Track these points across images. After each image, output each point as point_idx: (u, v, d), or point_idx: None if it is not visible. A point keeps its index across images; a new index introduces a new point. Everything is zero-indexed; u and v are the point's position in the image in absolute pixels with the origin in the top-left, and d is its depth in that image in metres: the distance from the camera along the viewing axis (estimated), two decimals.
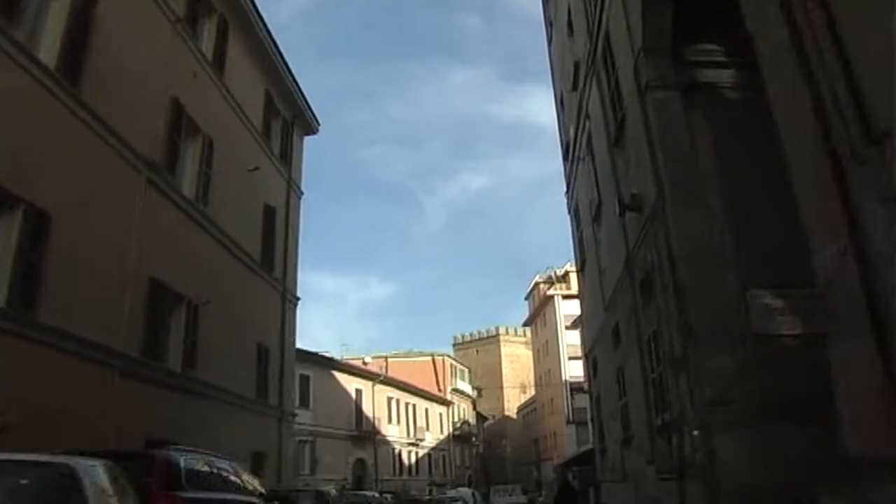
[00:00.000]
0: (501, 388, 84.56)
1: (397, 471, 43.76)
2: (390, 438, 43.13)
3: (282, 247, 19.46)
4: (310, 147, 23.08)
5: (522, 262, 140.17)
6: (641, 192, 9.78)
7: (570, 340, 57.52)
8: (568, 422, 55.79)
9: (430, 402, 52.05)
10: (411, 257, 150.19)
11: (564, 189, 19.61)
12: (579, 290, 20.22)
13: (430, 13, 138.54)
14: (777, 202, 6.21)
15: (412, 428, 46.96)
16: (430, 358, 57.42)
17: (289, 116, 21.20)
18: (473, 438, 63.27)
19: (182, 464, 6.96)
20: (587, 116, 14.36)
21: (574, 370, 56.72)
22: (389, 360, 54.32)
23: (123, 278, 11.30)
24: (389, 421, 43.52)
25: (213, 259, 15.15)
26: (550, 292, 60.53)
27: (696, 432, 7.81)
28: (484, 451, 71.58)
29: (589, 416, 18.89)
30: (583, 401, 56.09)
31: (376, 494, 24.48)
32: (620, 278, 11.78)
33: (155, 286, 12.38)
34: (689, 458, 8.07)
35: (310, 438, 33.54)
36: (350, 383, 38.90)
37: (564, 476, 25.34)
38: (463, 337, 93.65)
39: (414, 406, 48.13)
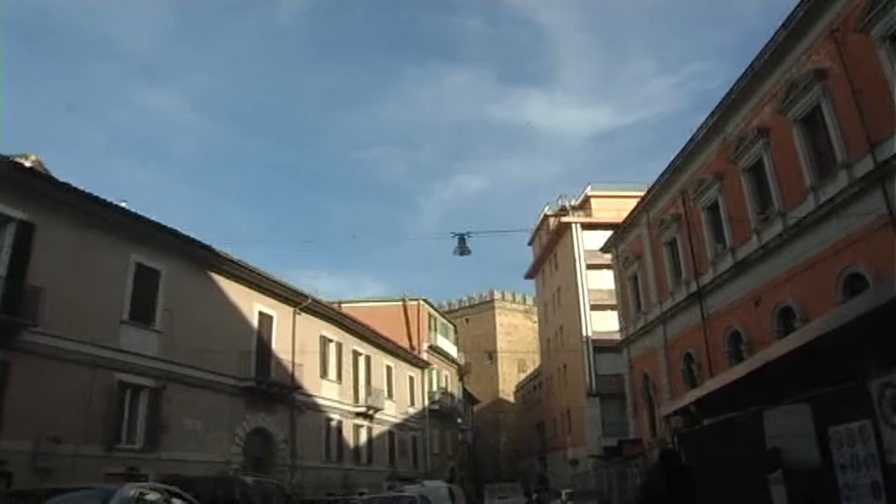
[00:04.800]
0: (495, 361, 68.56)
1: (334, 454, 27.48)
2: (322, 401, 26.91)
3: None
4: None
5: (522, 262, 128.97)
6: None
7: (593, 284, 42.06)
8: (590, 394, 40.42)
9: (395, 358, 35.93)
10: (406, 258, 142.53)
11: None
12: None
13: (427, 15, 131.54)
14: None
15: (362, 390, 30.67)
16: (400, 303, 41.46)
17: None
18: (459, 420, 47.20)
19: None
20: None
21: (599, 323, 41.17)
22: (344, 305, 38.23)
23: None
24: (323, 374, 27.37)
25: None
26: (566, 219, 44.62)
27: None
28: (473, 442, 55.83)
29: None
30: (611, 364, 40.34)
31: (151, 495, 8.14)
32: None
33: None
34: None
35: (150, 383, 17.63)
36: (250, 302, 22.88)
37: (670, 448, 9.79)
38: (450, 304, 77.58)
39: (368, 359, 31.96)
